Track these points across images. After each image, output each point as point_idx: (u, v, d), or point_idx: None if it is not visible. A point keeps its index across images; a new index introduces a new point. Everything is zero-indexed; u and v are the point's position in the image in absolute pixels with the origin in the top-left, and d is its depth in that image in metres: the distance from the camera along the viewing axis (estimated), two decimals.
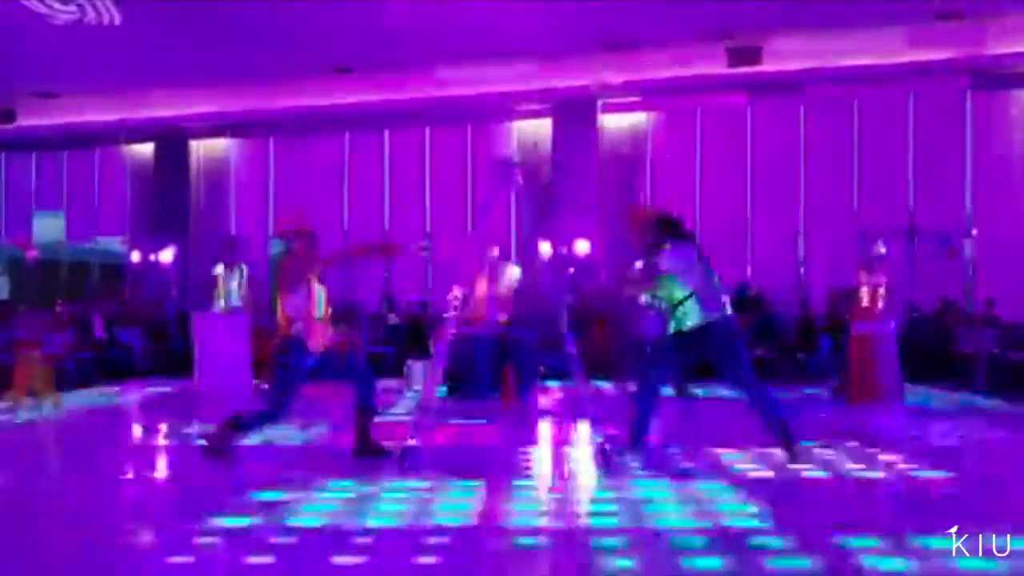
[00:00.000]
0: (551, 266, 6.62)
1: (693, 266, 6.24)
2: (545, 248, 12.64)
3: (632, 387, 10.60)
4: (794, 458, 6.11)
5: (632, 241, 6.53)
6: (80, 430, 8.36)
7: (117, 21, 12.16)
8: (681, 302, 6.22)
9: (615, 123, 16.97)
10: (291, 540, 4.22)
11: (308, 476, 5.76)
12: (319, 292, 6.29)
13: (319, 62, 15.77)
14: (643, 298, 10.59)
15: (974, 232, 14.88)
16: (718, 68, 15.06)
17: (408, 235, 17.27)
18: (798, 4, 13.11)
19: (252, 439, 7.09)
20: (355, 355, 6.55)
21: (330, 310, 6.42)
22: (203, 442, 6.34)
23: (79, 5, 11.59)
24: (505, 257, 10.96)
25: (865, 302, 10.04)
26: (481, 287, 10.07)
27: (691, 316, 6.20)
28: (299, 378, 6.22)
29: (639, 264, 6.49)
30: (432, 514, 4.74)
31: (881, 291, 10.04)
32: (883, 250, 11.57)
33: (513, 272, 10.32)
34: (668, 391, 10.59)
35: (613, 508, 4.88)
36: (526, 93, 16.38)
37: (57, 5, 11.57)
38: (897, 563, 3.81)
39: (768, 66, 14.87)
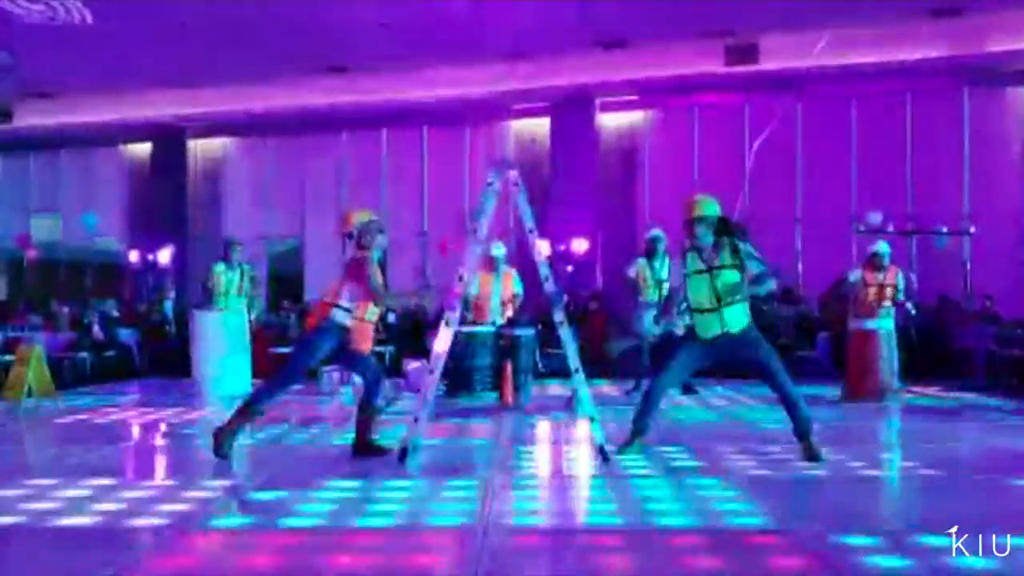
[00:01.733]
0: (549, 264, 6.58)
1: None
2: (543, 246, 12.69)
3: (629, 387, 10.67)
4: (813, 456, 6.10)
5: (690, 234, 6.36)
6: (78, 430, 8.35)
7: (89, 20, 12.15)
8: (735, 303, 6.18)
9: (613, 121, 16.99)
10: (290, 540, 4.22)
11: (307, 475, 5.75)
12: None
13: (316, 61, 15.78)
14: (642, 297, 10.60)
15: (972, 229, 14.90)
16: (715, 66, 15.08)
17: (406, 235, 17.27)
18: (795, 2, 13.12)
19: (249, 440, 7.10)
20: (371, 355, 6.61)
21: (378, 315, 6.55)
22: (214, 433, 6.37)
23: (48, 4, 11.58)
24: (512, 260, 11.00)
25: (871, 297, 9.92)
26: (485, 287, 10.08)
27: (742, 318, 6.18)
28: (320, 355, 6.43)
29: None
30: (431, 513, 4.74)
31: (889, 291, 9.91)
32: (879, 219, 11.44)
33: (515, 281, 10.37)
34: (673, 389, 10.64)
35: (612, 507, 4.88)
36: (524, 92, 16.39)
37: (24, 3, 11.55)
38: (896, 562, 3.81)
39: (765, 64, 14.89)
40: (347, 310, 6.27)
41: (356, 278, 6.27)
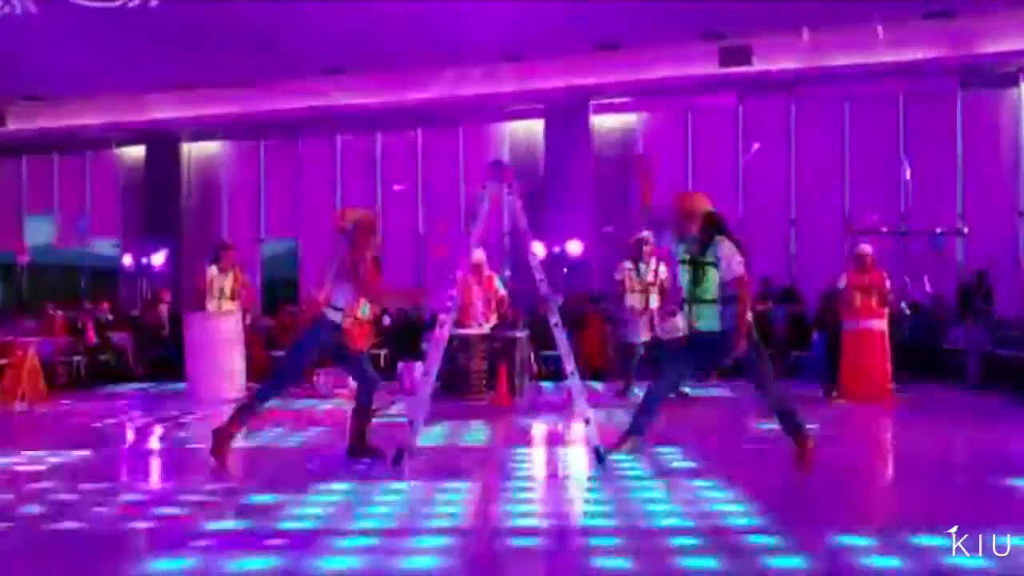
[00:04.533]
0: (544, 266, 6.56)
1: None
2: (538, 248, 12.69)
3: (621, 387, 10.63)
4: (805, 454, 6.05)
5: (677, 230, 6.19)
6: (72, 434, 8.31)
7: (34, 11, 12.11)
8: (708, 302, 6.02)
9: (607, 123, 16.98)
10: (286, 542, 4.20)
11: (303, 478, 5.73)
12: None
13: (310, 64, 15.75)
14: (631, 302, 10.50)
15: (965, 230, 14.91)
16: (709, 68, 15.09)
17: (401, 237, 17.26)
18: (789, 4, 13.14)
19: (246, 443, 7.08)
20: (366, 357, 6.60)
21: (372, 314, 6.57)
22: (213, 432, 6.35)
23: None
24: (493, 263, 10.99)
25: (857, 303, 9.96)
26: (469, 292, 10.04)
27: (713, 319, 6.02)
28: (314, 354, 6.44)
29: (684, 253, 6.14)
30: (426, 516, 4.72)
31: (875, 291, 9.93)
32: (873, 220, 11.46)
33: (497, 284, 10.34)
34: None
35: (608, 508, 4.86)
36: (518, 94, 16.38)
37: None
38: (895, 562, 3.80)
39: (759, 66, 14.91)
40: (339, 309, 6.26)
41: (349, 278, 6.25)
